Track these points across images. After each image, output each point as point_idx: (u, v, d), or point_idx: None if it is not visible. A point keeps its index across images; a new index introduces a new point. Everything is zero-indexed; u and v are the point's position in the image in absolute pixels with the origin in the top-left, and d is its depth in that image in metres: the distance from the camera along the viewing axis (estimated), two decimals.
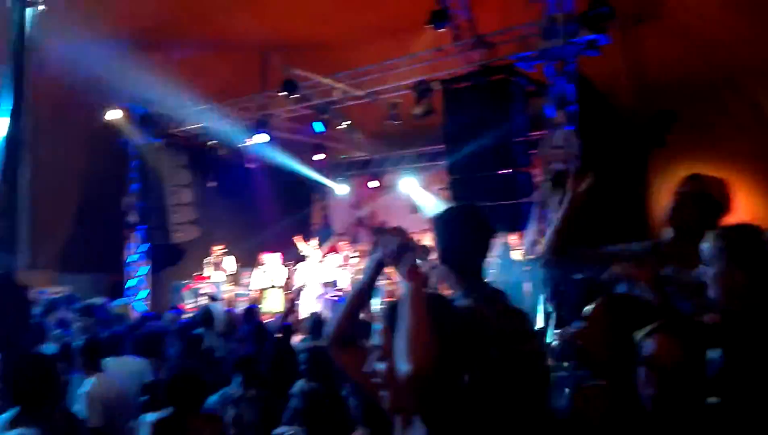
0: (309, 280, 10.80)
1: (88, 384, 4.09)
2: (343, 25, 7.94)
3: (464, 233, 2.16)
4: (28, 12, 3.70)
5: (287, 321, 7.06)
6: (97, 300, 7.81)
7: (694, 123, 8.49)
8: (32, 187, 3.79)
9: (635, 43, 7.80)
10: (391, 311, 1.49)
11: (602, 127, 7.86)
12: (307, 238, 11.80)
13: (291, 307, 8.70)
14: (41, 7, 3.63)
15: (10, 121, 3.63)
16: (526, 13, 7.34)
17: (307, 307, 10.53)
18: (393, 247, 1.60)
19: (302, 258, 11.41)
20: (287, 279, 11.48)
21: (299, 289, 10.15)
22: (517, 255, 9.58)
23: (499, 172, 7.79)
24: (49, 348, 4.88)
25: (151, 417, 3.52)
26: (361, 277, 1.82)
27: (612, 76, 7.97)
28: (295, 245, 11.56)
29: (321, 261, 11.20)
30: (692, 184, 2.48)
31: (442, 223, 2.24)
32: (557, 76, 7.37)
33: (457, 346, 1.47)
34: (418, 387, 1.36)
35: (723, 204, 2.43)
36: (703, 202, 2.42)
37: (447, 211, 2.30)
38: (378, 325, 1.54)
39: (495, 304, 2.10)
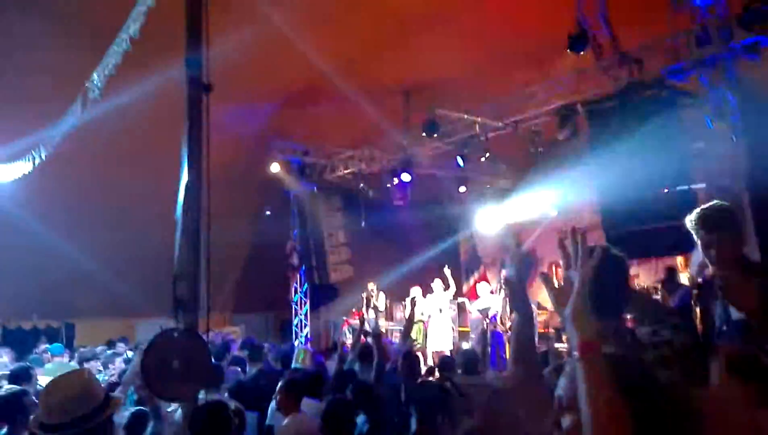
0: (433, 311, 10.85)
1: (285, 421, 4.39)
2: (480, 60, 8.06)
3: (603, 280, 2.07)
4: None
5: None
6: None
7: None
8: (208, 243, 4.10)
9: None
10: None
11: None
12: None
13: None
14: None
15: (188, 189, 4.01)
16: (674, 23, 6.95)
17: (435, 340, 10.59)
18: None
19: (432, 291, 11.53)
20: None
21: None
22: (684, 279, 8.88)
23: (658, 191, 7.34)
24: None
25: None
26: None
27: None
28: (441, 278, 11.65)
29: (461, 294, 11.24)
30: None
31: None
32: (716, 84, 6.86)
33: (657, 421, 1.24)
34: None
35: None
36: None
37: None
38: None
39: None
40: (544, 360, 5.49)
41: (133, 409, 4.26)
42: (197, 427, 3.23)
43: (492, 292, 11.20)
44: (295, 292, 12.65)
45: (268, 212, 12.55)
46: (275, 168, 11.28)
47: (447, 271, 11.61)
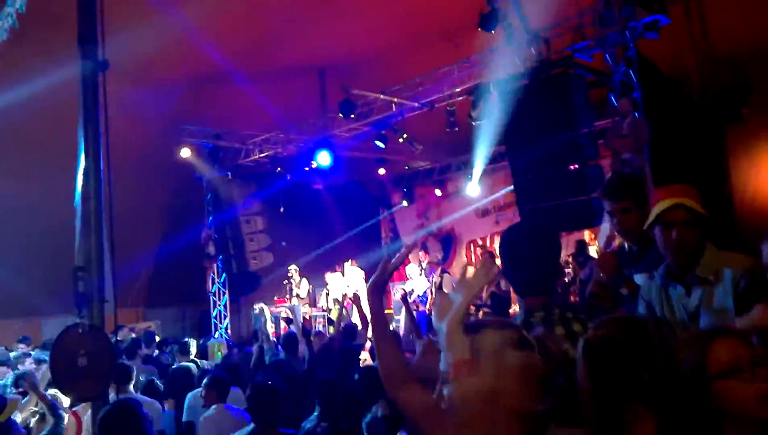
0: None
1: (209, 411, 4.46)
2: (394, 38, 8.03)
3: (534, 254, 2.06)
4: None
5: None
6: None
7: None
8: (111, 232, 3.91)
9: (699, 17, 7.46)
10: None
11: (671, 109, 7.54)
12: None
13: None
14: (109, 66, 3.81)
15: (86, 176, 3.77)
16: (579, 2, 7.17)
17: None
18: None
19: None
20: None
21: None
22: (593, 252, 9.31)
23: (567, 167, 7.60)
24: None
25: None
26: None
27: (677, 55, 7.65)
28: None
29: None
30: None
31: (509, 245, 2.15)
32: (618, 62, 7.16)
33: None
34: None
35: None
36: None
37: (510, 232, 2.21)
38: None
39: (571, 325, 2.01)
40: None
41: None
42: (107, 426, 3.03)
43: (420, 274, 11.34)
44: (213, 282, 12.26)
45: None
46: (185, 153, 10.80)
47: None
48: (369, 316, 1.84)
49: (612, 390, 1.51)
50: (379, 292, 1.78)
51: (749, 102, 8.10)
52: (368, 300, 1.81)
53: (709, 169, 8.00)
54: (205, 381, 4.71)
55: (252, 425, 3.69)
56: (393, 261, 1.79)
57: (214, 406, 4.50)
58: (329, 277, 11.85)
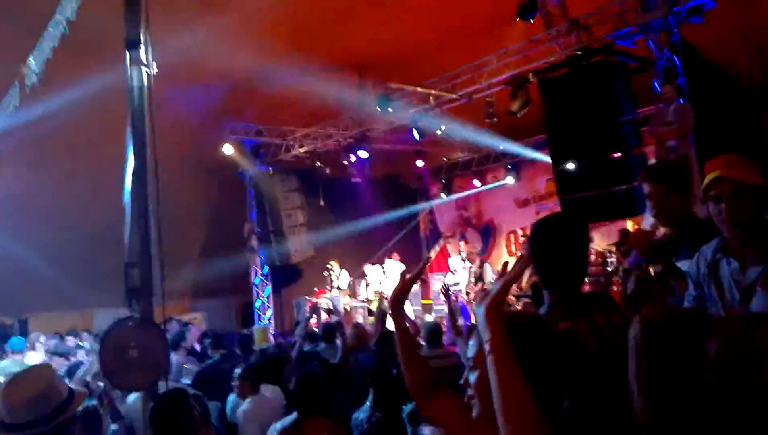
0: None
1: (244, 404, 4.44)
2: (433, 32, 7.99)
3: (560, 247, 2.05)
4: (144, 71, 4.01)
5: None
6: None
7: None
8: (159, 227, 4.03)
9: (746, 0, 7.20)
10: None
11: (717, 95, 7.31)
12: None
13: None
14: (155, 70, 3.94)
15: (134, 174, 3.90)
16: None
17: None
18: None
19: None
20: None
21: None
22: None
23: (610, 156, 7.46)
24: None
25: (278, 425, 3.74)
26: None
27: (724, 41, 7.40)
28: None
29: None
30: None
31: (535, 238, 2.14)
32: (662, 48, 6.98)
33: (554, 375, 1.43)
34: None
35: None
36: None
37: (538, 225, 2.17)
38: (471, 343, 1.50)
39: (594, 319, 1.99)
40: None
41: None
42: (159, 416, 3.16)
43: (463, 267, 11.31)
44: (256, 274, 12.52)
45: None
46: (228, 149, 11.04)
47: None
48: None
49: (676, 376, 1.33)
50: (400, 305, 1.80)
51: None
52: (391, 314, 1.82)
53: (756, 156, 7.73)
54: (237, 373, 4.66)
55: (295, 414, 3.76)
56: (411, 275, 1.83)
57: (249, 399, 4.49)
58: (368, 268, 11.94)
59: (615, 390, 1.66)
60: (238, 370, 4.70)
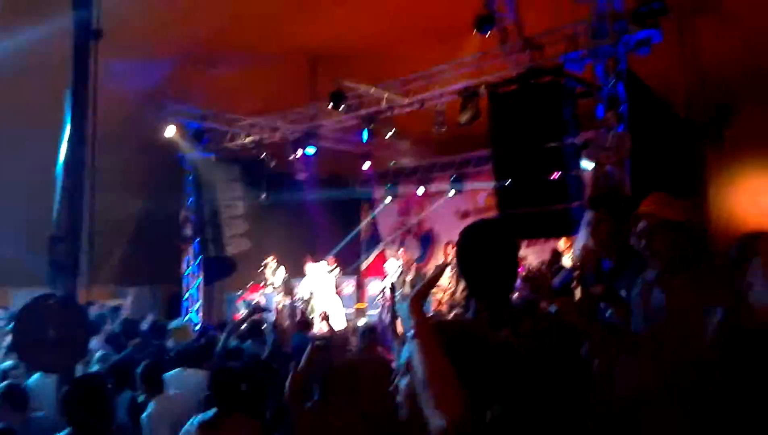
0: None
1: (149, 407, 4.11)
2: (390, 33, 7.99)
3: (486, 254, 2.03)
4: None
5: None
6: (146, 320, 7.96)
7: (754, 118, 8.19)
8: (92, 205, 3.86)
9: (691, 37, 7.59)
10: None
11: (655, 126, 7.65)
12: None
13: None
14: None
15: (71, 145, 3.72)
16: (575, 12, 7.23)
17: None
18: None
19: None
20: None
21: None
22: (567, 261, 9.41)
23: (549, 175, 7.67)
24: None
25: (197, 419, 3.60)
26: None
27: (666, 73, 7.75)
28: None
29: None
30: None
31: (462, 245, 2.12)
32: (608, 75, 7.24)
33: (484, 383, 1.43)
34: None
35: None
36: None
37: (468, 232, 2.14)
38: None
39: (520, 326, 2.01)
40: None
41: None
42: (72, 401, 2.98)
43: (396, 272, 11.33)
44: (188, 264, 12.14)
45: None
46: (170, 131, 10.67)
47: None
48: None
49: None
50: (420, 301, 1.63)
51: (732, 124, 8.26)
52: (412, 310, 1.68)
53: (688, 187, 8.15)
54: (138, 372, 4.29)
55: (215, 409, 3.63)
56: (429, 279, 1.72)
57: (152, 402, 4.15)
58: (309, 266, 11.78)
59: (538, 397, 1.70)
60: (138, 370, 4.33)
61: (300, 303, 11.52)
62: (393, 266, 11.22)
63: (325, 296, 11.05)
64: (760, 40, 7.37)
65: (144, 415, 4.10)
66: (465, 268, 2.09)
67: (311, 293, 11.33)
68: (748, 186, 8.68)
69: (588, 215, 3.04)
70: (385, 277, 11.67)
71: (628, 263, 2.83)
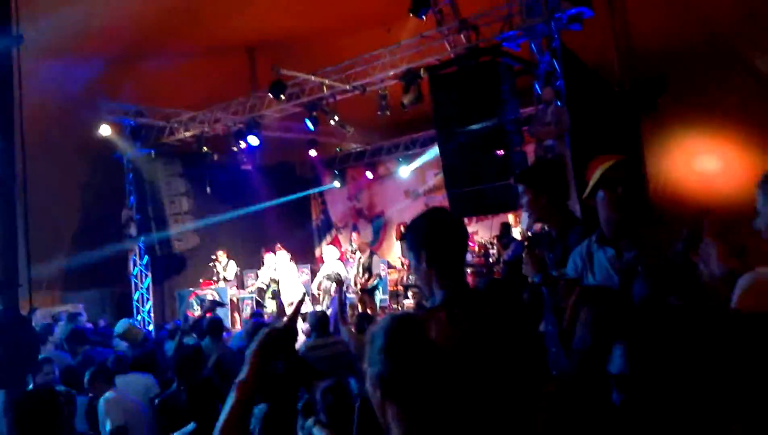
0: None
1: (104, 397, 4.17)
2: (327, 20, 7.93)
3: (439, 240, 2.05)
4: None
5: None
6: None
7: (684, 87, 8.52)
8: (29, 212, 3.74)
9: (621, 11, 7.81)
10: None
11: (591, 99, 7.87)
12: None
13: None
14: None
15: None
16: None
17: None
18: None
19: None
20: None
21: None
22: (516, 233, 9.66)
23: (493, 153, 7.80)
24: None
25: None
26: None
27: (599, 47, 7.98)
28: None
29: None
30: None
31: (413, 236, 2.13)
32: (543, 52, 7.39)
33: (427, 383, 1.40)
34: None
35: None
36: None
37: (418, 223, 2.15)
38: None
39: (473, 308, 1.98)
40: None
41: None
42: (23, 415, 2.90)
43: (340, 258, 11.32)
44: (135, 264, 11.84)
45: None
46: (105, 130, 10.30)
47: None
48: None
49: None
50: (259, 356, 1.66)
51: (664, 94, 8.57)
52: (248, 361, 1.69)
53: (632, 157, 8.43)
54: (87, 375, 4.35)
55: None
56: (290, 314, 1.79)
57: (106, 393, 4.18)
58: (269, 257, 11.65)
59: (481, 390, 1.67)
60: (87, 374, 4.37)
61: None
62: (331, 254, 11.20)
63: (290, 284, 10.96)
64: (687, 11, 7.66)
65: (101, 400, 4.14)
66: (426, 241, 2.06)
67: (270, 281, 11.23)
68: (682, 150, 9.05)
69: (520, 189, 3.15)
70: (322, 263, 11.66)
71: (571, 230, 2.93)
